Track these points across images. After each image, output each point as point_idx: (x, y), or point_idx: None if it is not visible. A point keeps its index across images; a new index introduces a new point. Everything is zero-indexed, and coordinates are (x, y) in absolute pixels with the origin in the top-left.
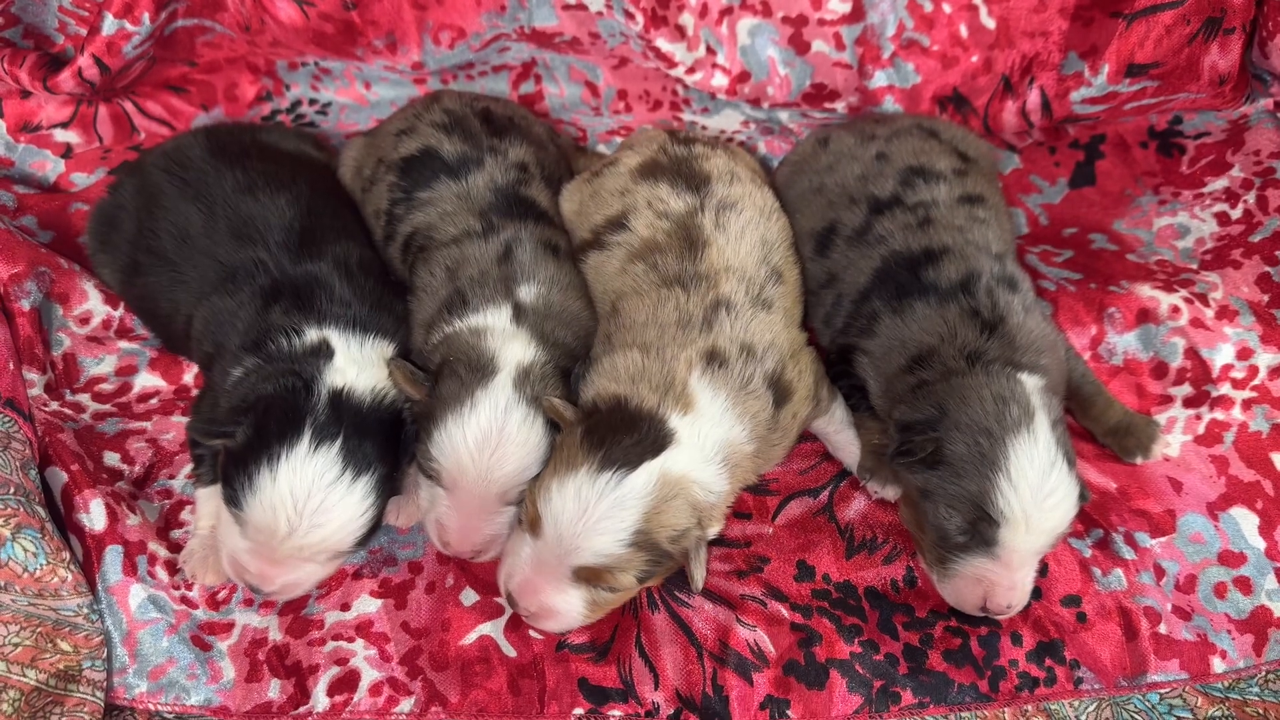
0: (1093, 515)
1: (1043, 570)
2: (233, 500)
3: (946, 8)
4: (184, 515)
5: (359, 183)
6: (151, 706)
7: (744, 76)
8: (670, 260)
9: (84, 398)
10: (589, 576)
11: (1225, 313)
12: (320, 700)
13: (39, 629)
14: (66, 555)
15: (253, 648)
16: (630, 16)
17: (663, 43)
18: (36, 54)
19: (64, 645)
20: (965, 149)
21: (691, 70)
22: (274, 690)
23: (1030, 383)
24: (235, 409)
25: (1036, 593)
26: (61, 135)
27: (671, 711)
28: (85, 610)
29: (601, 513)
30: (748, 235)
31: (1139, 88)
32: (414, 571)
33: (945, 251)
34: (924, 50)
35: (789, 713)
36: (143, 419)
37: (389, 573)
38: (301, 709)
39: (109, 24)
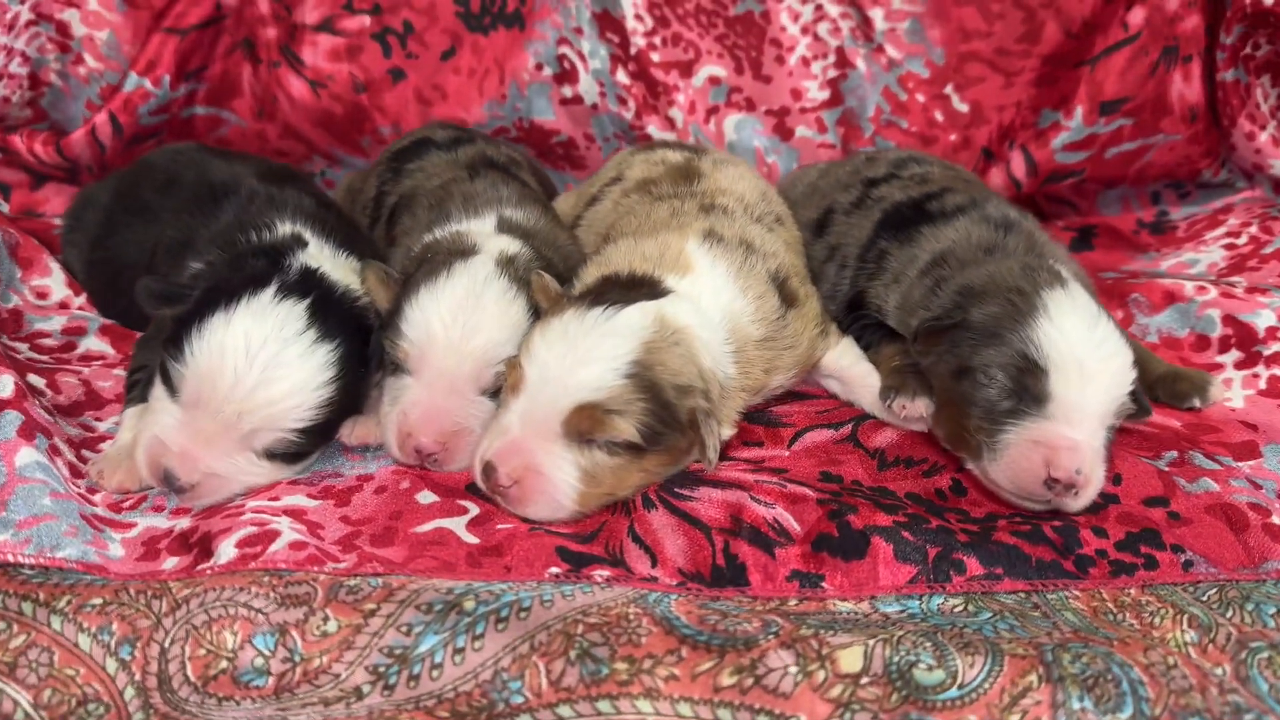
0: (1163, 438)
1: (1115, 480)
2: (174, 357)
3: (920, 97)
4: (102, 447)
5: (349, 195)
6: (11, 557)
7: None
8: (665, 186)
9: (22, 345)
10: (582, 428)
11: (1254, 291)
12: (225, 553)
13: None
14: None
15: (152, 541)
16: (623, 102)
17: (653, 130)
18: (51, 130)
19: None
20: (952, 168)
21: None
22: (170, 564)
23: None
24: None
25: (1113, 498)
26: (60, 221)
27: (674, 583)
28: None
29: (592, 343)
30: (746, 180)
31: (1115, 127)
32: (362, 480)
33: (947, 190)
34: (903, 131)
35: (824, 585)
36: (81, 368)
37: (332, 483)
38: (201, 566)
39: (130, 81)
